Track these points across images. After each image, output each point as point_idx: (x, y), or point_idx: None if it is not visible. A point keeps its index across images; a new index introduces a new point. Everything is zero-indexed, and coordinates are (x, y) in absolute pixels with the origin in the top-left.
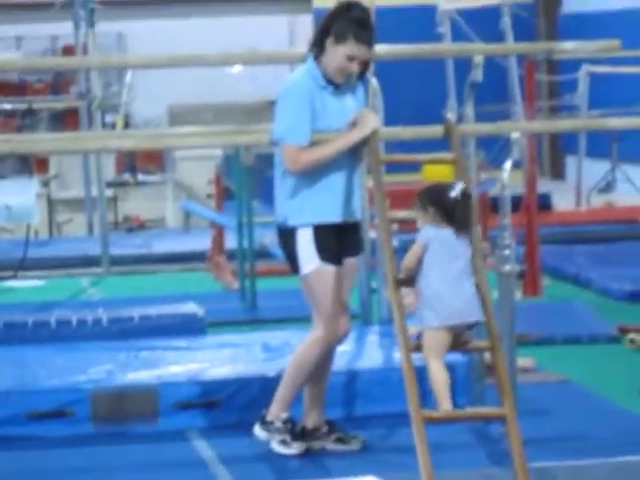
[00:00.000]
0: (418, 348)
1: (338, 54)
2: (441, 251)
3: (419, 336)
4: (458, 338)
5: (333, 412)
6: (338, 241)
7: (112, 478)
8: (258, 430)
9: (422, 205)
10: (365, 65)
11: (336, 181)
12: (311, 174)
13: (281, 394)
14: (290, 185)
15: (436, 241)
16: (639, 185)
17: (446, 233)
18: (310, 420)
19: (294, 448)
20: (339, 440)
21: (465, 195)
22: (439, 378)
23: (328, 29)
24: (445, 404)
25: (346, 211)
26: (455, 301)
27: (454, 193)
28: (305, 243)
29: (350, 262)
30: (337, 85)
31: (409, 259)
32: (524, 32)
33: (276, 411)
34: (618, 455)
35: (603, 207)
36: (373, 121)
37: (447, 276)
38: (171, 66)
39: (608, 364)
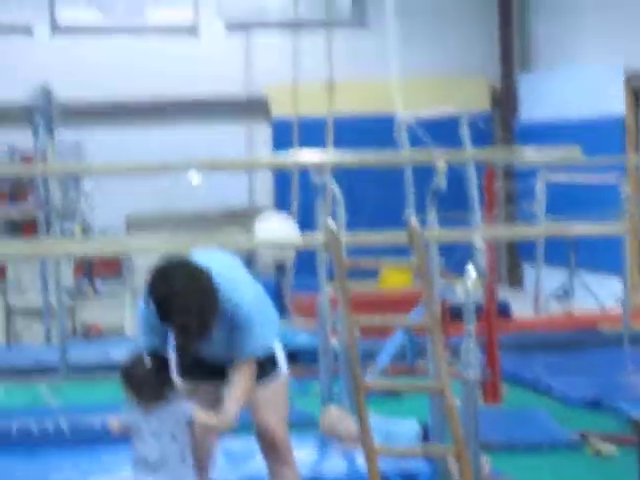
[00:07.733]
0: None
1: None
2: None
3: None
4: None
5: None
6: None
7: None
8: None
9: None
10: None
11: None
12: None
13: None
14: None
15: None
16: (596, 292)
17: None
18: None
19: None
20: None
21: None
22: None
23: None
24: None
25: None
26: None
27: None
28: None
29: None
30: None
31: None
32: (481, 141)
33: None
34: None
35: (561, 314)
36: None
37: None
38: (136, 173)
39: (571, 472)
